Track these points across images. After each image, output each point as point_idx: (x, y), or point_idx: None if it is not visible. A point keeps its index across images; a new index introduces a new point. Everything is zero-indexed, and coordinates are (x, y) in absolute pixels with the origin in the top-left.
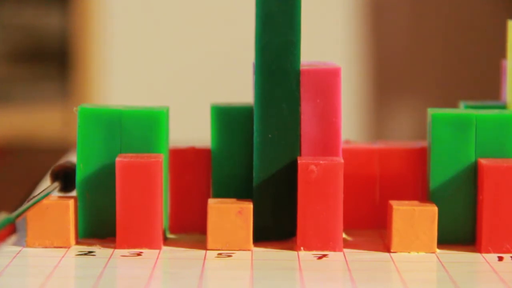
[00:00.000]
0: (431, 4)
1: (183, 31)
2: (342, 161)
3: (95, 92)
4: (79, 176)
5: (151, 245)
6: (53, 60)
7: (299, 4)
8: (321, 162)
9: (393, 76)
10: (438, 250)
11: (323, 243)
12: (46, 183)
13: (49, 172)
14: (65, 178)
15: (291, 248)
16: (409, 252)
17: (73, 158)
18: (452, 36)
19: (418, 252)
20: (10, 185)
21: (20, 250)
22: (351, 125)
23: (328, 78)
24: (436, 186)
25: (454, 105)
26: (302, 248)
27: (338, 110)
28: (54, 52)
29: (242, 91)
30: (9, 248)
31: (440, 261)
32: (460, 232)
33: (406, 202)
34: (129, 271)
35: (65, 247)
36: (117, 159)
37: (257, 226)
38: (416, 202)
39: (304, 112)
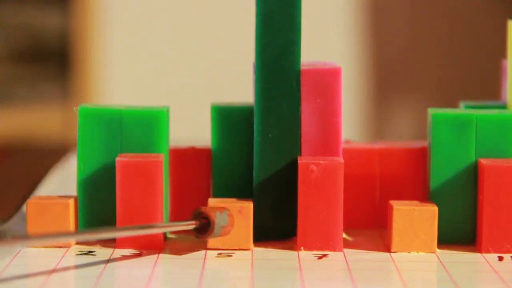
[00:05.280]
0: (431, 4)
1: (183, 31)
2: (342, 161)
3: (95, 92)
4: (79, 176)
5: (151, 245)
6: (53, 60)
7: (299, 4)
8: (321, 162)
9: (393, 76)
10: (438, 250)
11: (323, 243)
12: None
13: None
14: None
15: (291, 248)
16: (409, 252)
17: (73, 158)
18: (452, 36)
19: (418, 252)
20: (10, 185)
21: (20, 250)
22: (351, 125)
23: (328, 78)
24: (436, 186)
25: (454, 105)
26: (302, 248)
27: (338, 110)
28: (54, 52)
29: (242, 91)
30: (9, 248)
31: (440, 261)
32: (460, 232)
33: (406, 202)
34: (129, 271)
35: (65, 247)
36: (117, 159)
37: (257, 226)
38: (416, 202)
39: (304, 112)
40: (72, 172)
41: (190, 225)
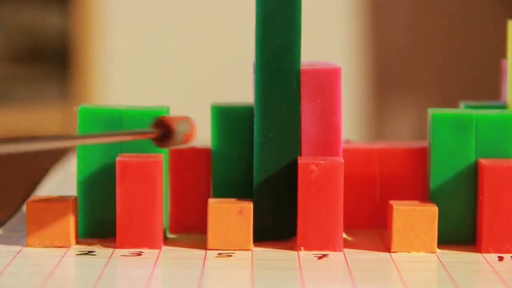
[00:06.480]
0: (431, 4)
1: (183, 31)
2: (342, 161)
3: (95, 92)
4: (79, 176)
5: (151, 245)
6: (53, 60)
7: (299, 4)
8: (321, 162)
9: (393, 76)
10: (438, 250)
11: (323, 243)
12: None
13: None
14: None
15: (291, 248)
16: (409, 252)
17: (73, 158)
18: (452, 36)
19: (418, 252)
20: (10, 185)
21: (20, 250)
22: (351, 125)
23: (328, 78)
24: (436, 186)
25: (454, 105)
26: (302, 248)
27: (338, 110)
28: (54, 52)
29: (242, 91)
30: (9, 248)
31: (440, 261)
32: (460, 232)
33: (406, 202)
34: (129, 271)
35: (65, 247)
36: (117, 159)
37: (257, 226)
38: (416, 202)
39: (304, 112)
40: (72, 172)
41: (150, 134)
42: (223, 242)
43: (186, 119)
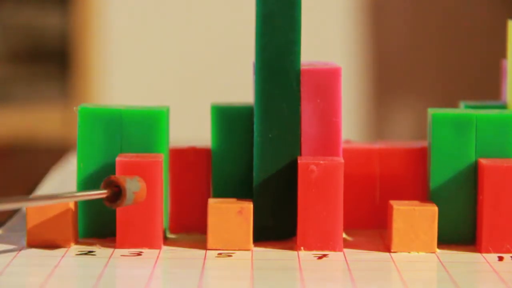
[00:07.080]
0: (431, 4)
1: (183, 31)
2: (342, 161)
3: (95, 92)
4: (79, 176)
5: (151, 245)
6: (53, 60)
7: (299, 4)
8: (321, 162)
9: (393, 76)
10: (438, 250)
11: (323, 243)
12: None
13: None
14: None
15: (291, 248)
16: (409, 252)
17: (73, 158)
18: (452, 36)
19: (418, 252)
20: (10, 185)
21: (20, 250)
22: (351, 125)
23: (328, 78)
24: (436, 186)
25: (454, 105)
26: (302, 248)
27: (338, 110)
28: (54, 52)
29: (242, 91)
30: (9, 248)
31: (440, 261)
32: (460, 232)
33: (406, 202)
34: (129, 271)
35: (65, 247)
36: (117, 158)
37: (257, 226)
38: (416, 202)
39: (304, 112)
40: (72, 172)
41: (102, 194)
42: (223, 242)
43: (136, 178)
